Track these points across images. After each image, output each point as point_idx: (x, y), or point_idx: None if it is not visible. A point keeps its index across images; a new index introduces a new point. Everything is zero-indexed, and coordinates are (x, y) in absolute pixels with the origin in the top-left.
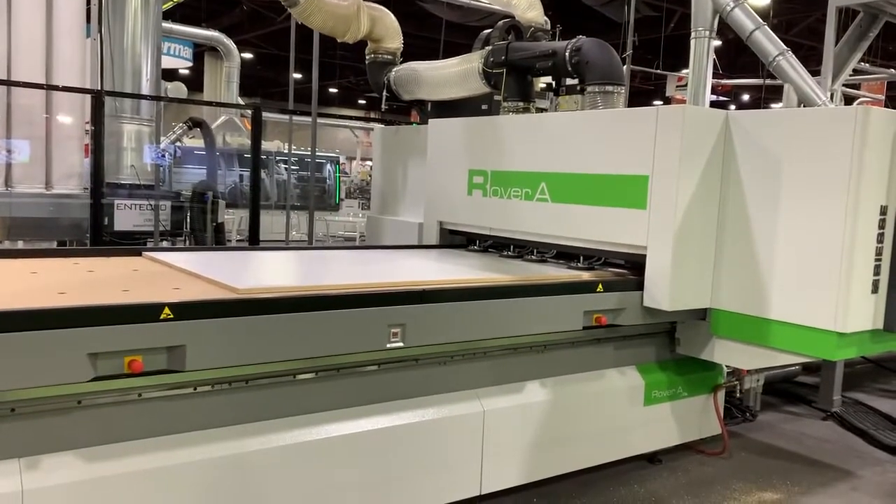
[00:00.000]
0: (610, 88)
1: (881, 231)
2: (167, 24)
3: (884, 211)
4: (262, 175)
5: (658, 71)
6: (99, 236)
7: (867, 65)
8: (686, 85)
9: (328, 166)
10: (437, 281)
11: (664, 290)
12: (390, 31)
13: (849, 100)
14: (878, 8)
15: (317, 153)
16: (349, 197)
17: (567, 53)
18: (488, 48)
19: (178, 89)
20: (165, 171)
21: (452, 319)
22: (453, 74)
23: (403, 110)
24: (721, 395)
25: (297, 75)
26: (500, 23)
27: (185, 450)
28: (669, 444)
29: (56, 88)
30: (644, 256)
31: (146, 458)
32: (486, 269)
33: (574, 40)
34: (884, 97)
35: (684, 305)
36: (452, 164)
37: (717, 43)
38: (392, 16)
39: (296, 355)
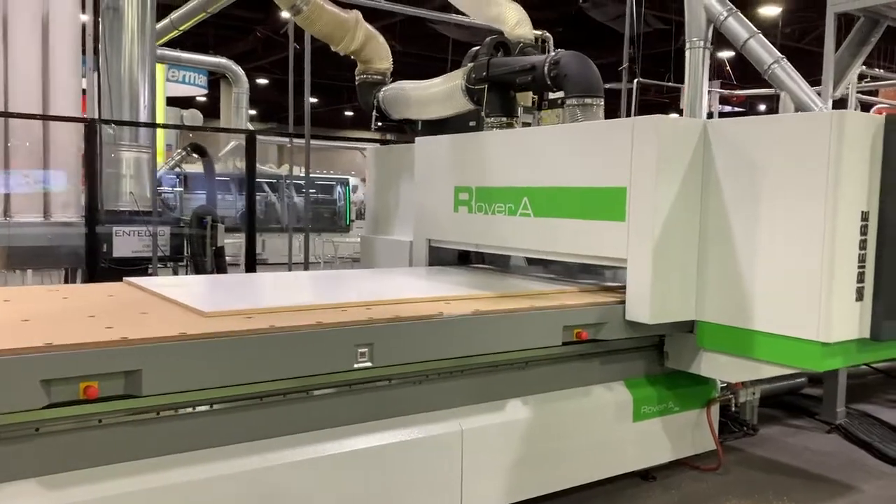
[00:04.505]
0: (589, 101)
1: (863, 237)
2: (175, 53)
3: (865, 217)
4: (273, 198)
5: (669, 84)
6: (95, 264)
7: (881, 71)
8: None
9: (338, 188)
10: (407, 299)
11: (645, 303)
12: (381, 52)
13: (865, 106)
14: (879, 13)
15: (327, 175)
16: (359, 218)
17: (546, 67)
18: (470, 65)
19: (194, 117)
20: (176, 197)
21: (422, 338)
22: (438, 93)
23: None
24: (715, 409)
25: (314, 100)
26: (488, 39)
27: (147, 476)
28: (662, 460)
29: (50, 118)
30: (625, 269)
31: (108, 485)
32: (467, 286)
33: (553, 54)
34: None
35: (666, 318)
36: (439, 182)
37: (731, 54)
38: (382, 38)
39: (255, 378)
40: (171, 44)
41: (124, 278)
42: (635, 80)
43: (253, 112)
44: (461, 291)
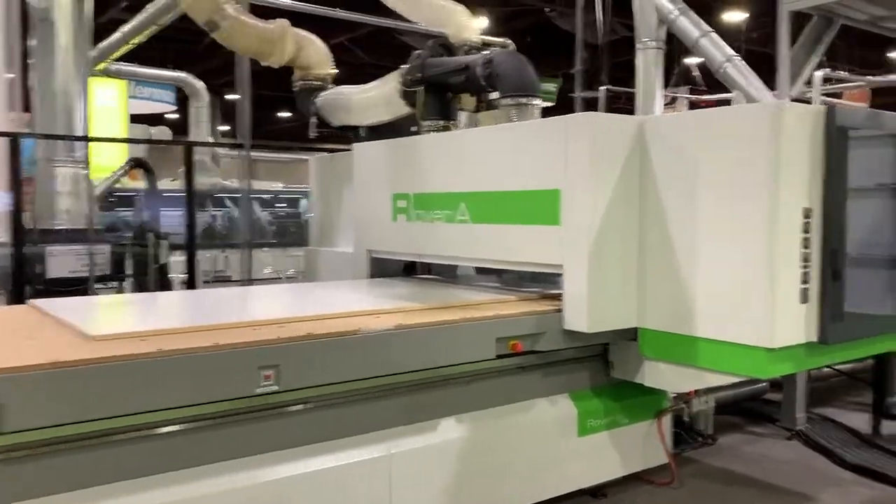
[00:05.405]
0: (524, 101)
1: (806, 236)
2: (131, 67)
3: (808, 214)
4: (236, 213)
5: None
6: (21, 285)
7: (845, 73)
8: (671, 102)
9: (304, 202)
10: (329, 314)
11: (582, 311)
12: (319, 57)
13: None
14: (832, 11)
15: (292, 188)
16: None
17: (479, 67)
18: (404, 66)
19: (162, 133)
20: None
21: (337, 357)
22: (376, 97)
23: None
24: (666, 420)
25: (287, 114)
26: (430, 41)
27: None
28: (612, 476)
29: None
30: (562, 276)
31: None
32: (401, 298)
33: (486, 52)
34: (867, 106)
35: (605, 326)
36: (377, 190)
37: (700, 60)
38: (321, 42)
39: (141, 408)
40: (139, 60)
41: (28, 301)
42: (603, 88)
43: (226, 128)
44: (393, 304)
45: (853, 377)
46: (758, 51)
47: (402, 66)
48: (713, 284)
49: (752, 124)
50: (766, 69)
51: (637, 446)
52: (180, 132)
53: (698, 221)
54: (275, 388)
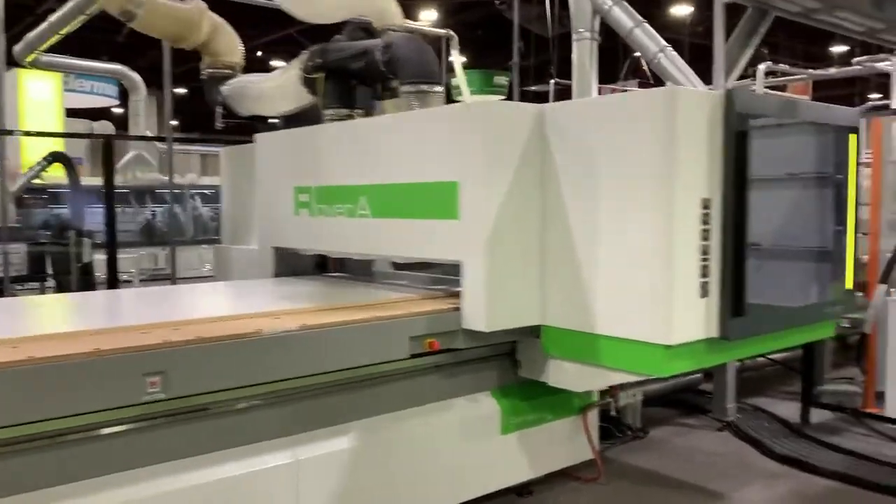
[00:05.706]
0: (425, 88)
1: (705, 227)
2: (63, 59)
3: (706, 204)
4: (177, 210)
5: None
6: None
7: (786, 66)
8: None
9: None
10: (228, 316)
11: (480, 309)
12: (230, 44)
13: None
14: (766, 3)
15: None
16: None
17: (379, 52)
18: (305, 52)
19: (104, 128)
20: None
21: (233, 361)
22: (279, 85)
23: None
24: (592, 415)
25: None
26: (349, 26)
27: None
28: (537, 473)
29: None
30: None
31: None
32: (306, 297)
33: (386, 37)
34: (809, 98)
35: (505, 325)
36: (279, 183)
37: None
38: (231, 29)
39: (9, 421)
40: (87, 53)
41: None
42: (552, 81)
43: (175, 123)
44: (297, 304)
45: (785, 366)
46: (702, 44)
47: (302, 52)
48: (611, 279)
49: (647, 111)
50: (708, 62)
51: (563, 442)
52: (126, 127)
53: (597, 213)
54: (162, 395)
